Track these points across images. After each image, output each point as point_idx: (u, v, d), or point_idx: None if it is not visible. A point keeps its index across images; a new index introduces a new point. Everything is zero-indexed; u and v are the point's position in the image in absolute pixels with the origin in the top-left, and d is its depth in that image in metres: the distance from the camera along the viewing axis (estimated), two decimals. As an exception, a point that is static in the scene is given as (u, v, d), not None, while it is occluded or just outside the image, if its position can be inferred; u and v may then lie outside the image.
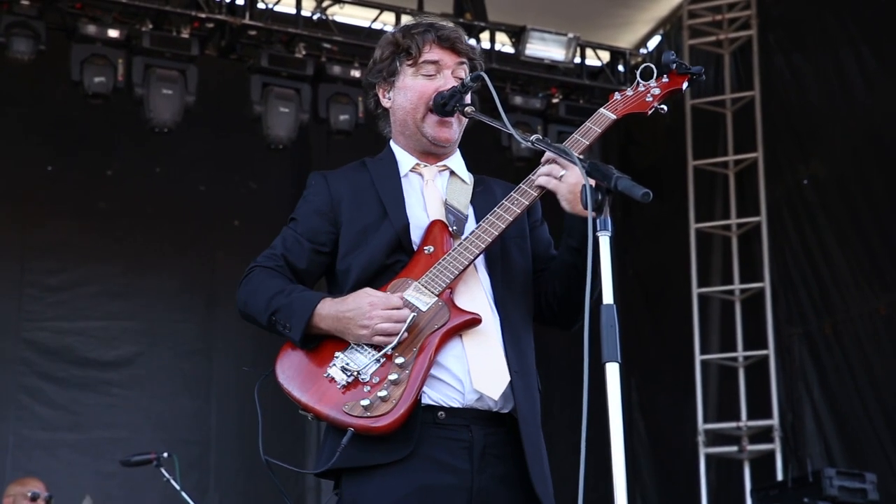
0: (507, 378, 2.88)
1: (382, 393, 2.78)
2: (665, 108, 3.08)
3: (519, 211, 2.96)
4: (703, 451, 9.31)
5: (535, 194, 2.97)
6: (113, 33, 8.22)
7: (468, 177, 3.20)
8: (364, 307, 2.84)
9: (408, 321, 2.82)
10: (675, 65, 3.06)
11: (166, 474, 6.49)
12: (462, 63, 3.15)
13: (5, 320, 9.01)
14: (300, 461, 8.77)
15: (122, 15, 8.39)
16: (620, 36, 10.32)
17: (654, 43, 10.55)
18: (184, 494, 6.41)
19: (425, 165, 3.16)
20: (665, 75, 3.09)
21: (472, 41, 3.69)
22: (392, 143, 3.22)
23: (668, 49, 10.22)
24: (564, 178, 2.88)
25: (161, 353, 9.36)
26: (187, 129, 8.53)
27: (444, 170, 3.17)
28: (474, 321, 2.89)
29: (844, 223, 8.67)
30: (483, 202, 3.10)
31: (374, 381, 2.81)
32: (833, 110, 8.91)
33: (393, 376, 2.80)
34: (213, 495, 9.16)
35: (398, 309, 2.83)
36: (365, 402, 2.78)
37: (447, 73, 3.12)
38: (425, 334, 2.85)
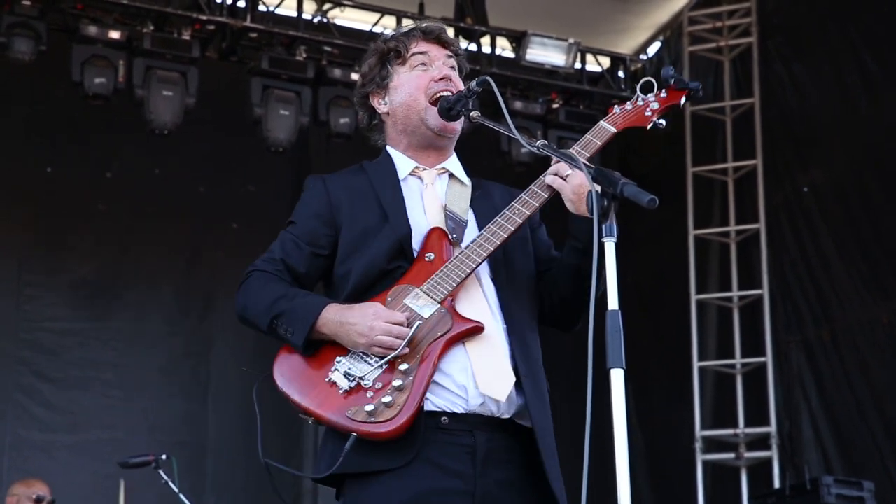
0: (512, 380, 2.87)
1: (386, 399, 2.77)
2: (664, 122, 3.10)
3: (528, 212, 2.96)
4: (699, 458, 9.29)
5: (546, 195, 2.97)
6: (114, 34, 8.22)
7: (467, 179, 3.19)
8: (368, 317, 2.82)
9: (408, 337, 2.81)
10: (673, 80, 3.07)
11: (164, 476, 6.48)
12: (450, 56, 3.17)
13: (3, 320, 9.00)
14: (297, 464, 8.77)
15: (124, 16, 8.38)
16: (621, 42, 10.33)
17: (654, 49, 10.55)
18: (182, 497, 6.40)
19: (424, 169, 3.14)
20: (664, 90, 3.10)
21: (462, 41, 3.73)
22: (389, 149, 3.20)
23: (667, 56, 10.25)
24: (569, 178, 2.89)
25: (159, 354, 9.35)
26: (187, 131, 8.53)
27: (443, 172, 3.16)
28: (477, 329, 2.88)
29: (844, 231, 8.65)
30: (482, 206, 3.09)
31: (376, 386, 2.80)
32: (833, 118, 8.90)
33: (397, 382, 2.79)
34: (210, 497, 9.14)
35: (401, 325, 2.82)
36: (369, 408, 2.76)
37: (438, 63, 3.14)
38: (428, 341, 2.84)
